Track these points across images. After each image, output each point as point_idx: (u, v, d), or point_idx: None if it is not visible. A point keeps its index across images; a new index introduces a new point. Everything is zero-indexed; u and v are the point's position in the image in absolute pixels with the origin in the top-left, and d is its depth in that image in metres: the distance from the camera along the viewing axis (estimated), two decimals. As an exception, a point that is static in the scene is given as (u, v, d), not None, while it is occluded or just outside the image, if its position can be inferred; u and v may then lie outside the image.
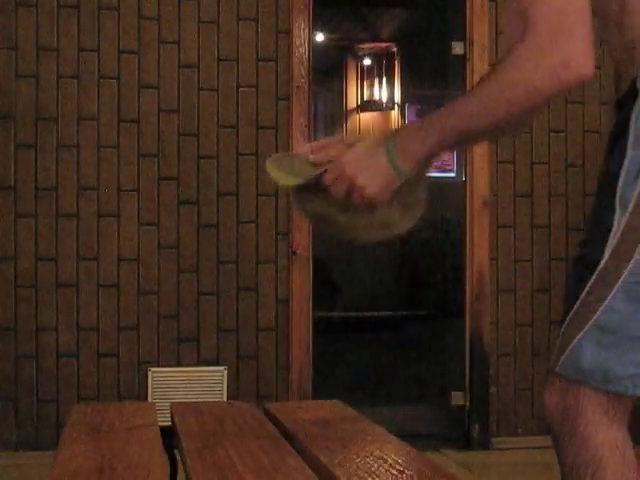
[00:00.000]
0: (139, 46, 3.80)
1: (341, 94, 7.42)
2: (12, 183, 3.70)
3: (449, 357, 4.20)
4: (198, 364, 3.80)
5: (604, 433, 1.46)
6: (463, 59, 4.05)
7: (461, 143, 1.68)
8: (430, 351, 4.86)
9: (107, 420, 2.01)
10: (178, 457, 1.92)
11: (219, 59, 3.86)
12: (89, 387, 3.73)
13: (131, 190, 3.78)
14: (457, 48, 4.06)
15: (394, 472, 1.53)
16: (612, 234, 1.44)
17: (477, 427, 4.01)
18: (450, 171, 5.93)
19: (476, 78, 4.01)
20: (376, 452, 1.69)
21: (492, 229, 4.04)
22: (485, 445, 3.99)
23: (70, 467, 1.57)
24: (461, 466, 3.70)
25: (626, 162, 1.44)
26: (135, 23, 3.79)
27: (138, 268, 3.78)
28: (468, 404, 4.02)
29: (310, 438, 1.80)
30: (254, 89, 3.88)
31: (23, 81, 3.72)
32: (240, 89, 3.87)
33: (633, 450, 1.46)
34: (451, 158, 5.93)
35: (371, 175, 1.53)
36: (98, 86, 3.77)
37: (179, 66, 3.83)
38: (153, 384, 3.74)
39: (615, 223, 1.44)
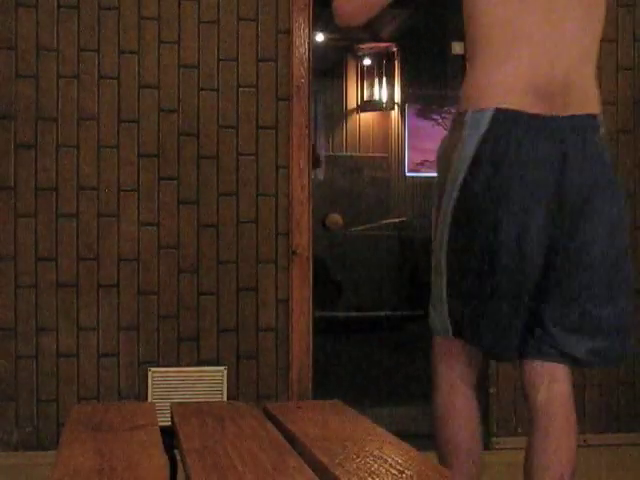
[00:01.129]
0: (139, 46, 3.80)
1: (341, 94, 7.41)
2: (12, 183, 3.70)
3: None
4: (198, 364, 3.80)
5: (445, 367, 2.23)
6: (463, 59, 4.05)
7: None
8: (430, 351, 4.85)
9: (107, 420, 2.01)
10: (178, 457, 1.92)
11: (219, 59, 3.86)
12: (89, 387, 3.73)
13: (131, 190, 3.78)
14: (457, 48, 4.06)
15: (394, 472, 1.53)
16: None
17: (477, 427, 4.00)
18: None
19: (476, 78, 4.02)
20: (376, 452, 1.69)
21: (492, 229, 4.04)
22: (485, 445, 3.98)
23: (70, 467, 1.57)
24: (461, 466, 3.70)
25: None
26: (135, 23, 3.79)
27: (138, 268, 3.78)
28: (468, 404, 4.01)
29: (310, 438, 1.80)
30: (254, 89, 3.88)
31: (23, 81, 3.72)
32: (240, 89, 3.87)
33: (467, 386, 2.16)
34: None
35: None
36: (98, 86, 3.77)
37: (179, 66, 3.83)
38: (153, 384, 3.74)
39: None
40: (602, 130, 2.02)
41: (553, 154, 1.90)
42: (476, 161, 1.92)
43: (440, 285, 2.04)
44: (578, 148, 1.93)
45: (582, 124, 1.95)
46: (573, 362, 2.04)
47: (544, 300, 1.99)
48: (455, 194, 1.96)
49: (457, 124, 1.98)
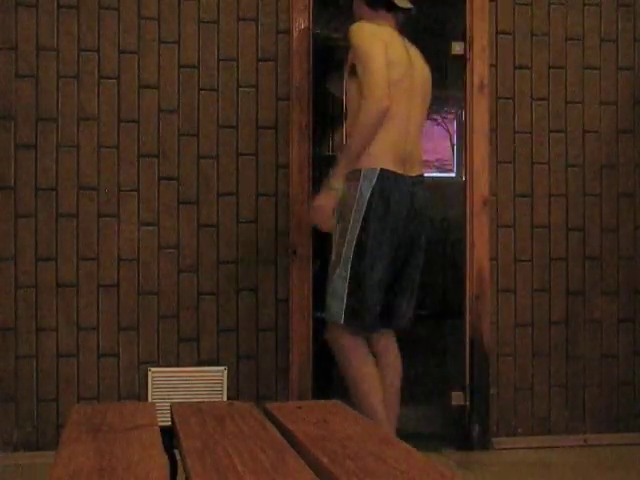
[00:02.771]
0: (139, 46, 3.80)
1: (341, 94, 7.42)
2: (12, 183, 3.71)
3: (449, 357, 4.20)
4: (198, 364, 3.81)
5: (350, 342, 3.13)
6: (463, 59, 4.05)
7: (356, 158, 3.09)
8: (430, 351, 4.85)
9: (107, 420, 2.01)
10: (178, 457, 1.92)
11: (219, 59, 3.86)
12: (89, 387, 3.73)
13: (131, 190, 3.78)
14: (457, 48, 4.06)
15: (394, 472, 1.53)
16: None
17: (477, 427, 4.01)
18: (450, 171, 5.92)
19: (476, 78, 4.02)
20: (376, 452, 1.69)
21: (492, 229, 4.04)
22: (485, 445, 3.99)
23: (70, 467, 1.57)
24: (461, 466, 3.70)
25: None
26: (135, 23, 3.80)
27: (138, 268, 3.78)
28: (468, 404, 4.02)
29: (310, 438, 1.80)
30: (254, 89, 3.88)
31: (23, 81, 3.72)
32: (240, 89, 3.87)
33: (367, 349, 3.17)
34: (451, 158, 5.92)
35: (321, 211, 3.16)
36: (98, 86, 3.77)
37: (179, 66, 3.83)
38: (153, 384, 3.75)
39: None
40: (423, 182, 3.29)
41: (407, 195, 3.15)
42: (370, 200, 3.07)
43: (342, 286, 3.12)
44: (419, 192, 3.20)
45: (419, 179, 3.23)
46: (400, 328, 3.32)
47: (395, 293, 3.22)
48: (359, 223, 3.08)
49: (354, 176, 3.10)
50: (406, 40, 3.35)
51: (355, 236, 3.10)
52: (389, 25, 3.29)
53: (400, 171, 3.14)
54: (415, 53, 3.35)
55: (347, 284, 3.11)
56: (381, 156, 3.10)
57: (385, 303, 3.20)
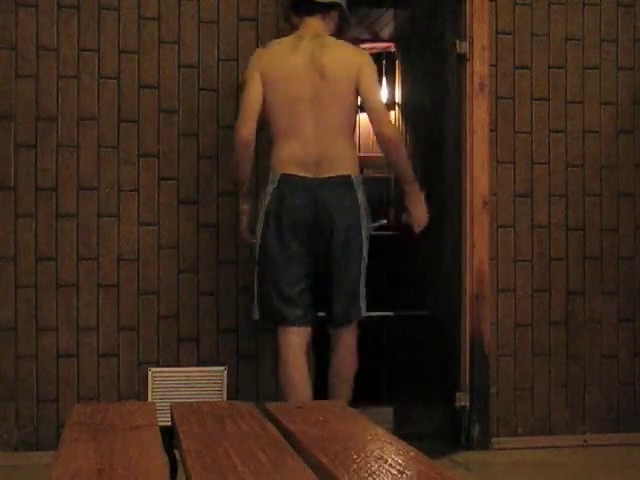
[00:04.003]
0: (139, 46, 3.80)
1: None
2: (12, 183, 3.71)
3: (449, 357, 4.19)
4: (198, 364, 3.81)
5: (284, 339, 3.38)
6: (463, 59, 4.05)
7: (241, 183, 3.49)
8: (430, 351, 4.85)
9: (107, 420, 2.01)
10: (178, 457, 1.92)
11: (219, 59, 3.86)
12: (89, 387, 3.73)
13: (131, 190, 3.78)
14: (458, 48, 4.06)
15: (394, 472, 1.53)
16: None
17: (477, 427, 4.01)
18: (450, 171, 5.91)
19: (476, 78, 4.02)
20: (376, 452, 1.69)
21: (492, 229, 4.04)
22: (485, 445, 3.99)
23: (70, 467, 1.57)
24: (461, 466, 3.70)
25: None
26: (135, 23, 3.79)
27: (138, 268, 3.78)
28: (468, 404, 4.01)
29: (310, 438, 1.80)
30: (254, 89, 3.87)
31: (23, 81, 3.72)
32: (240, 89, 3.87)
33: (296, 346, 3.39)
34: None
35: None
36: (98, 86, 3.77)
37: (179, 66, 3.83)
38: (153, 384, 3.75)
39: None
40: (355, 182, 3.38)
41: (309, 198, 3.31)
42: (270, 201, 3.33)
43: (255, 286, 3.40)
44: (326, 192, 3.32)
45: (331, 181, 3.34)
46: (345, 323, 3.47)
47: (325, 287, 3.38)
48: (262, 224, 3.35)
49: (265, 182, 3.39)
50: (326, 39, 3.44)
51: (259, 237, 3.38)
52: (312, 27, 3.44)
53: (306, 174, 3.33)
54: (331, 55, 3.40)
55: (256, 284, 3.41)
56: (285, 162, 3.35)
57: (318, 301, 3.42)
